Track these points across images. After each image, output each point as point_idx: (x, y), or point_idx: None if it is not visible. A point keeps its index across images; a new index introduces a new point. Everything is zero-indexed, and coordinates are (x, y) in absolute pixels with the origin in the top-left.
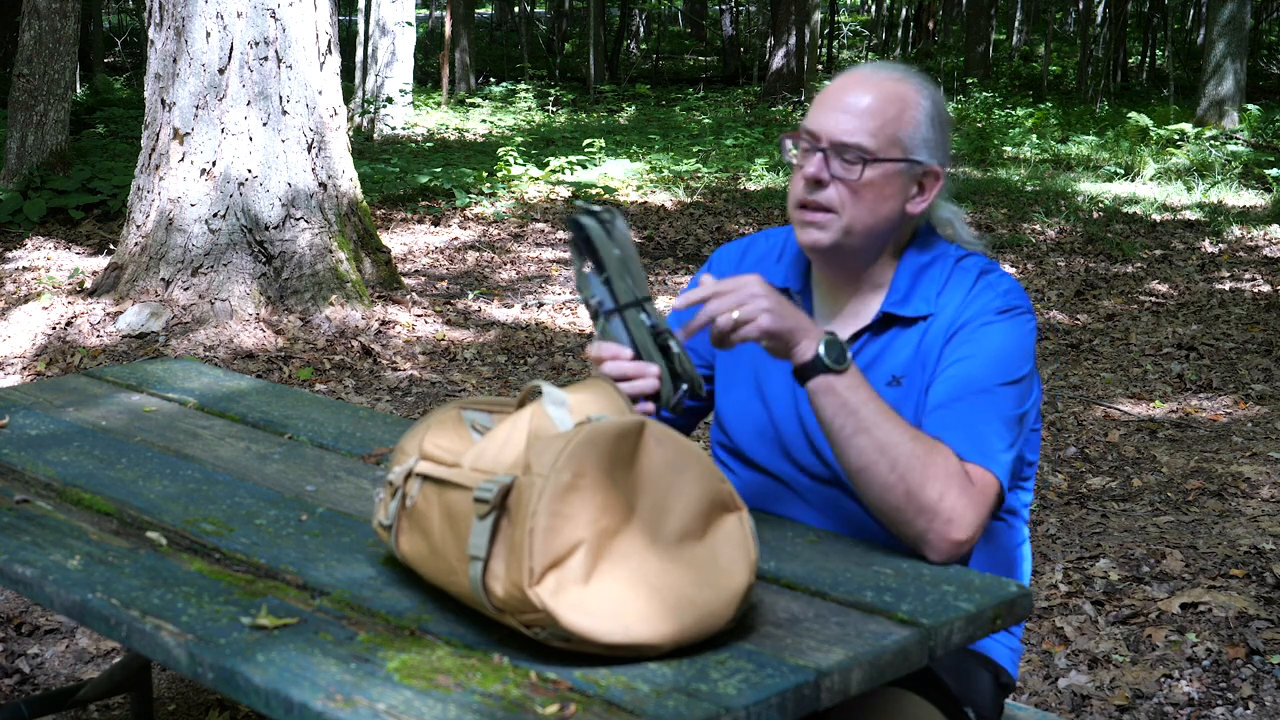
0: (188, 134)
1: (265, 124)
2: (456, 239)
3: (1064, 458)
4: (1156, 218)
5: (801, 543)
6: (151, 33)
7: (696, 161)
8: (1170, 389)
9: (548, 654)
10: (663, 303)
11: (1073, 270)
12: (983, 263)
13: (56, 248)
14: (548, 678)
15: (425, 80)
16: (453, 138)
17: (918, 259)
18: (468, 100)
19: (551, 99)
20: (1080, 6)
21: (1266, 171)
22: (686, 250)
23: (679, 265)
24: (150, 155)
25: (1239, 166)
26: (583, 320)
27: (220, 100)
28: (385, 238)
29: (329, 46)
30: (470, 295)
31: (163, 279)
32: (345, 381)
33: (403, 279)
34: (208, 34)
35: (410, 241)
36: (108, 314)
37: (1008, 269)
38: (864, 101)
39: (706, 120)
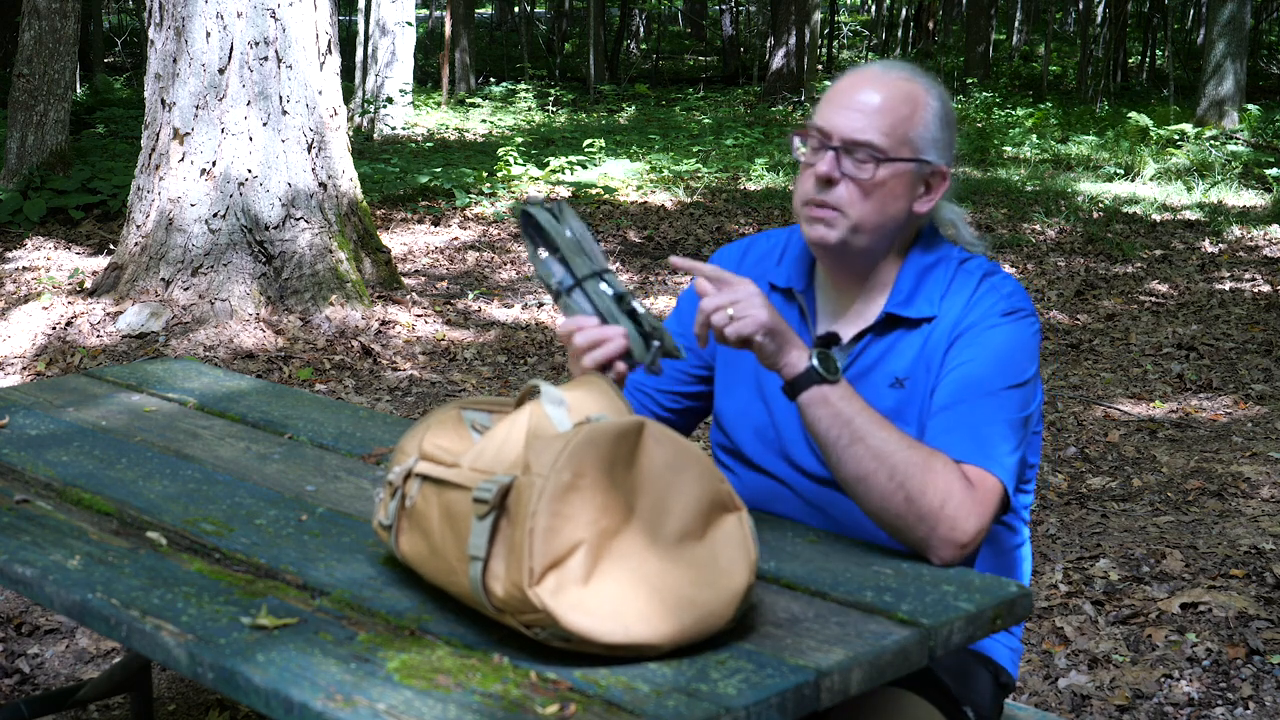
0: (188, 134)
1: (265, 124)
2: (456, 239)
3: (1064, 458)
4: (1156, 218)
5: (801, 543)
6: (151, 33)
7: (696, 161)
8: (1170, 389)
9: (548, 654)
10: (664, 303)
11: (1073, 270)
12: (986, 265)
13: (56, 248)
14: (548, 678)
15: (425, 80)
16: (453, 138)
17: (921, 260)
18: (468, 100)
19: (551, 99)
20: (1080, 6)
21: (1266, 171)
22: (686, 250)
23: None
24: (150, 155)
25: (1239, 166)
26: None
27: (220, 100)
28: (385, 238)
29: (329, 46)
30: (470, 295)
31: (163, 279)
32: (345, 381)
33: (403, 279)
34: (208, 34)
35: (410, 241)
36: (108, 314)
37: (1008, 269)
38: (875, 100)
39: (706, 120)
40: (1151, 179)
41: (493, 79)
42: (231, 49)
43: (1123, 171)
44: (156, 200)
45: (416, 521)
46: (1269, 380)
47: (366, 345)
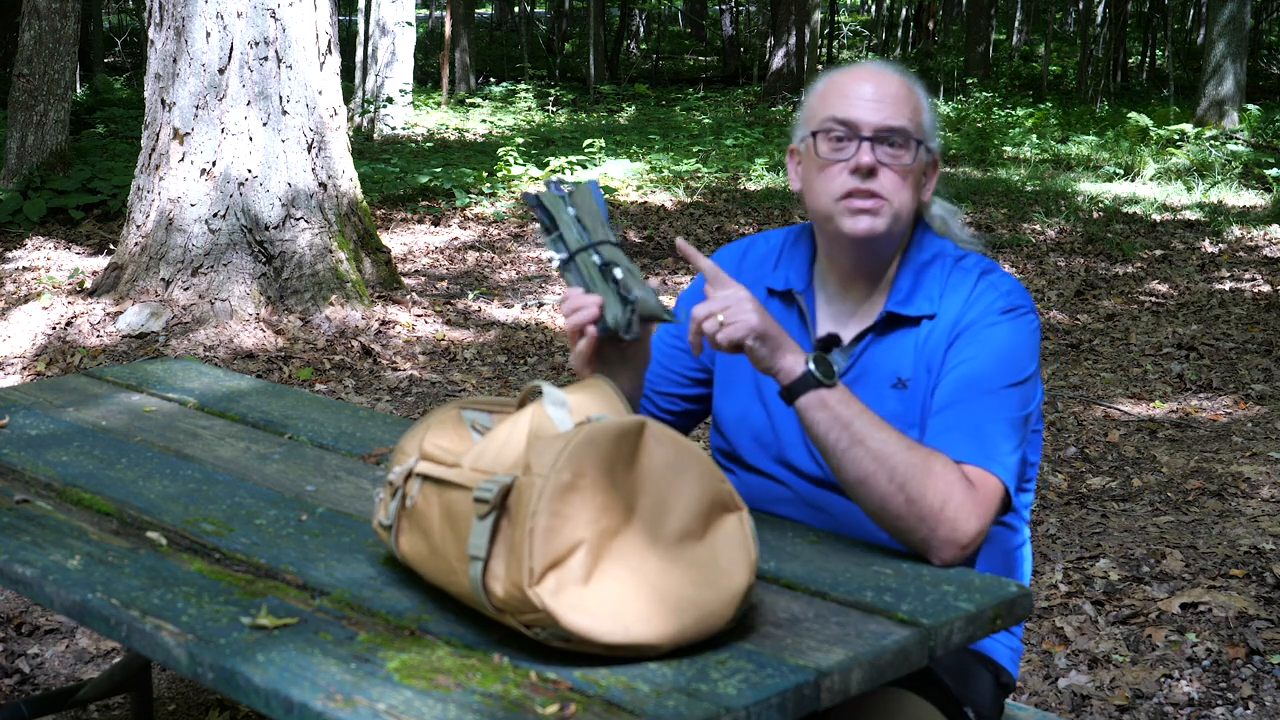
0: (188, 134)
1: (265, 124)
2: (456, 239)
3: (1064, 458)
4: (1156, 218)
5: (801, 543)
6: (151, 33)
7: (696, 161)
8: (1170, 389)
9: (548, 654)
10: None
11: (1073, 270)
12: (983, 263)
13: (56, 248)
14: (548, 678)
15: (425, 80)
16: (453, 138)
17: (918, 257)
18: (468, 100)
19: (551, 99)
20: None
21: (1266, 171)
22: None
23: (679, 265)
24: (150, 155)
25: (1239, 166)
26: None
27: (220, 100)
28: (385, 238)
29: (329, 46)
30: (470, 295)
31: (163, 279)
32: (345, 381)
33: (403, 279)
34: (208, 34)
35: (410, 241)
36: (108, 314)
37: (1008, 269)
38: (889, 90)
39: (706, 120)
40: (1151, 179)
41: (493, 79)
42: (231, 49)
43: (1123, 171)
44: (156, 200)
45: (417, 521)
46: (1269, 380)
47: (366, 345)
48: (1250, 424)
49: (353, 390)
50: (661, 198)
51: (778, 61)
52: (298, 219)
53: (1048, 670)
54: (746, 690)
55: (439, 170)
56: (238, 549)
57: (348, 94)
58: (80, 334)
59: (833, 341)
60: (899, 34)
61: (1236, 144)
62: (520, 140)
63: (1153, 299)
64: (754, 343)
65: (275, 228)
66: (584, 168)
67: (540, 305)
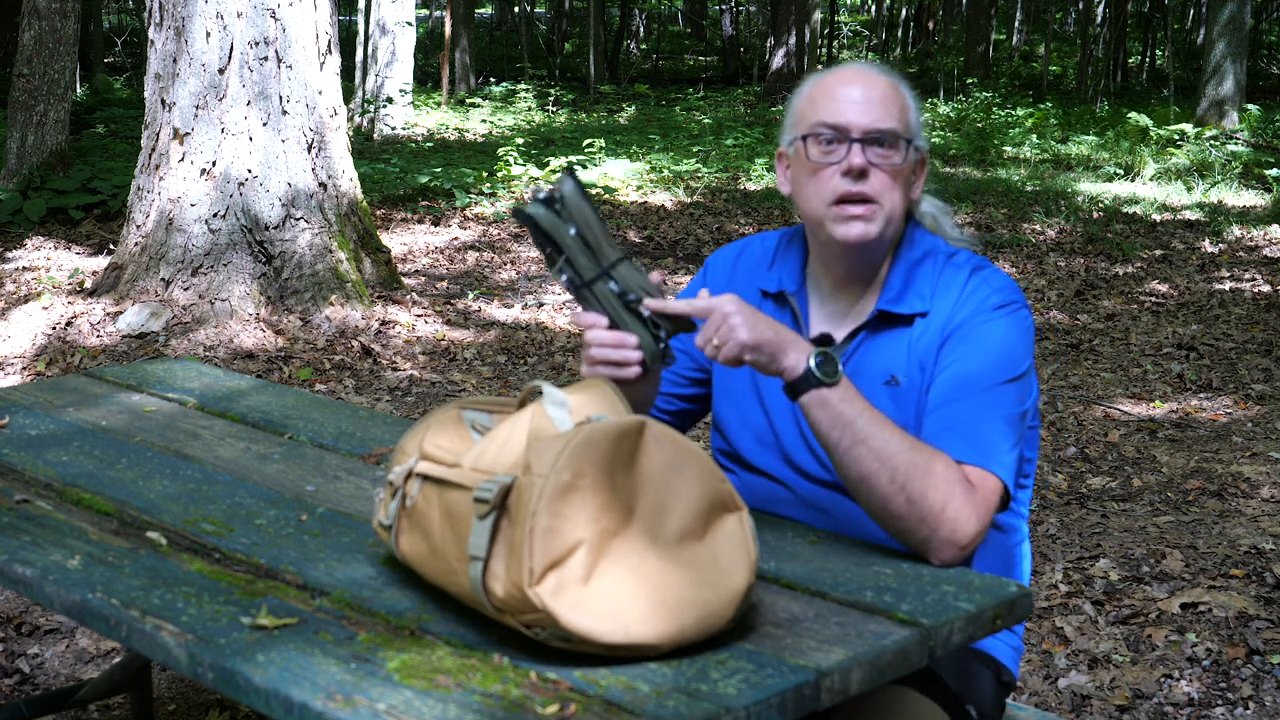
0: (188, 134)
1: (265, 124)
2: (456, 239)
3: (1064, 458)
4: (1156, 218)
5: (801, 543)
6: (151, 33)
7: (696, 161)
8: (1170, 389)
9: (548, 654)
10: None
11: (1073, 270)
12: (974, 259)
13: (56, 248)
14: (548, 678)
15: (425, 80)
16: (453, 138)
17: (909, 255)
18: (468, 100)
19: (551, 99)
20: (1080, 6)
21: (1266, 171)
22: (686, 250)
23: (679, 265)
24: (150, 155)
25: (1239, 166)
26: None
27: (220, 100)
28: (385, 238)
29: (329, 46)
30: (470, 295)
31: (163, 279)
32: (345, 381)
33: (403, 279)
34: (208, 34)
35: (410, 241)
36: (108, 314)
37: (1008, 269)
38: (876, 91)
39: (706, 120)
40: (1151, 179)
41: (493, 79)
42: (231, 49)
43: (1123, 171)
44: (156, 200)
45: (417, 521)
46: (1269, 380)
47: (366, 345)
48: (1250, 424)
49: (353, 390)
50: (661, 198)
51: (778, 61)
52: (298, 219)
53: (1048, 670)
54: (746, 690)
55: (439, 170)
56: (238, 549)
57: (348, 94)
58: (80, 334)
59: (826, 341)
60: (899, 34)
61: (1236, 144)
62: (520, 140)
63: (1153, 299)
64: (749, 356)
65: (275, 228)
66: (584, 168)
67: (540, 305)
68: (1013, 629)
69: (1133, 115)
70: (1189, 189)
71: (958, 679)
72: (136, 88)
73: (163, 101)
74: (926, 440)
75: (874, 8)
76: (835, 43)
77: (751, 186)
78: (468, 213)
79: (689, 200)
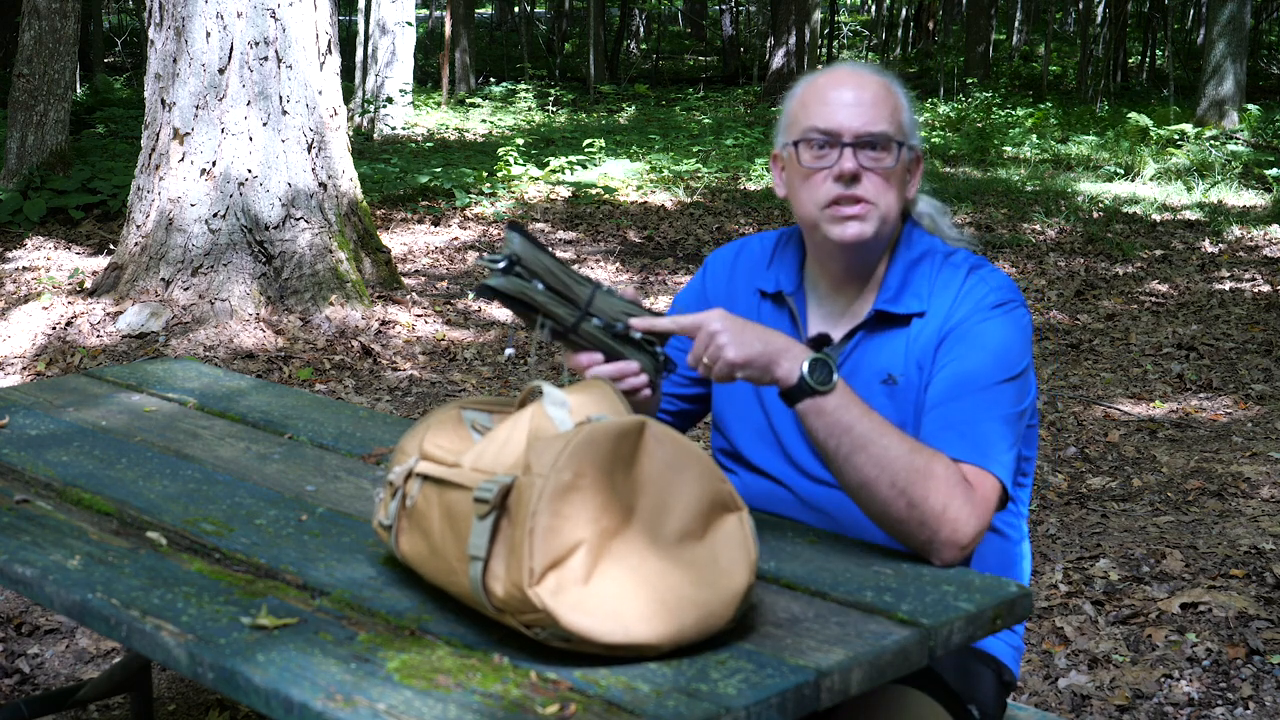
0: (188, 134)
1: (265, 124)
2: (456, 239)
3: (1064, 458)
4: (1156, 218)
5: (801, 543)
6: (151, 33)
7: (696, 161)
8: (1170, 389)
9: (548, 654)
10: (664, 303)
11: (1073, 270)
12: (971, 258)
13: (56, 248)
14: (548, 678)
15: (425, 80)
16: (453, 138)
17: (907, 255)
18: (468, 100)
19: (551, 99)
20: (1080, 6)
21: (1266, 171)
22: (686, 250)
23: (679, 265)
24: (150, 155)
25: (1239, 166)
26: None
27: (220, 100)
28: (385, 238)
29: (329, 46)
30: (470, 295)
31: (163, 279)
32: (345, 381)
33: (403, 279)
34: (208, 34)
35: (410, 241)
36: (108, 314)
37: (1007, 269)
38: (868, 94)
39: (706, 120)
40: (1151, 179)
41: (493, 79)
42: (231, 49)
43: (1123, 171)
44: (156, 200)
45: (417, 521)
46: (1269, 380)
47: (366, 345)
48: (1250, 424)
49: (353, 390)
50: (661, 198)
51: (778, 61)
52: (298, 219)
53: (1048, 670)
54: (746, 690)
55: (439, 170)
56: (238, 549)
57: (348, 94)
58: (80, 334)
59: (823, 341)
60: (899, 34)
61: (1236, 144)
62: (520, 140)
63: (1153, 299)
64: (740, 373)
65: (275, 228)
66: (584, 167)
67: None
68: (1013, 629)
69: (1133, 115)
70: (1189, 189)
71: (959, 679)
72: (136, 88)
73: (163, 101)
74: (924, 439)
75: (874, 8)
76: (835, 43)
77: (751, 186)
78: (468, 213)
79: (689, 200)
